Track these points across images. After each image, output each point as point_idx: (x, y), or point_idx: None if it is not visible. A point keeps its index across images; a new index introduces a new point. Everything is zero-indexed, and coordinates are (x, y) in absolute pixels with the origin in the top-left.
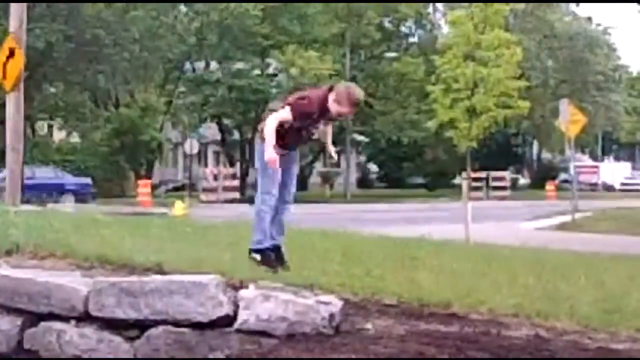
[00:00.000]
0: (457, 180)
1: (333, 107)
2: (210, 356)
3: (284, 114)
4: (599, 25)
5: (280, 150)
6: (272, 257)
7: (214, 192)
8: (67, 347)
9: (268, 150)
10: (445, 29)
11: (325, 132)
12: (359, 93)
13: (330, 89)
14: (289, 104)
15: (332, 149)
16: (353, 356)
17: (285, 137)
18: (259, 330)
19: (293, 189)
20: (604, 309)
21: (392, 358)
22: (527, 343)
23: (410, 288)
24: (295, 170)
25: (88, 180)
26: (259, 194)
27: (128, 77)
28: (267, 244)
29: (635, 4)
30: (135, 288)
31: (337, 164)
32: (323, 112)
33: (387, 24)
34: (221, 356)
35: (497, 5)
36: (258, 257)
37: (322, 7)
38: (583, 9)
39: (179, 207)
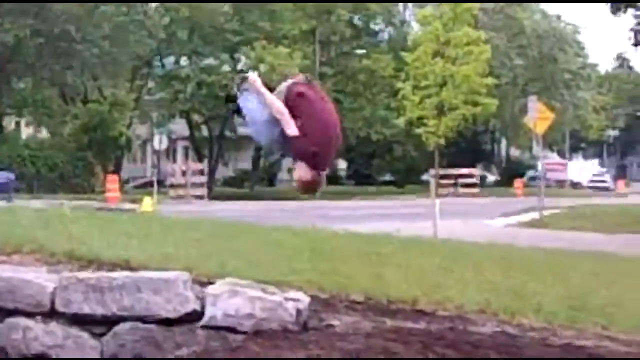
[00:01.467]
0: (426, 177)
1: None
2: (177, 352)
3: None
4: (568, 24)
5: None
6: None
7: (183, 188)
8: (33, 344)
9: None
10: (415, 26)
11: None
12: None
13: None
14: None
15: None
16: (320, 352)
17: None
18: (226, 327)
19: None
20: (570, 306)
21: (359, 355)
22: (493, 339)
23: (378, 285)
24: None
25: (10, 175)
26: None
27: (97, 73)
28: None
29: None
30: (103, 284)
31: None
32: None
33: (357, 21)
34: (188, 352)
35: (466, 4)
36: None
37: (291, 3)
38: (553, 7)
39: (147, 203)
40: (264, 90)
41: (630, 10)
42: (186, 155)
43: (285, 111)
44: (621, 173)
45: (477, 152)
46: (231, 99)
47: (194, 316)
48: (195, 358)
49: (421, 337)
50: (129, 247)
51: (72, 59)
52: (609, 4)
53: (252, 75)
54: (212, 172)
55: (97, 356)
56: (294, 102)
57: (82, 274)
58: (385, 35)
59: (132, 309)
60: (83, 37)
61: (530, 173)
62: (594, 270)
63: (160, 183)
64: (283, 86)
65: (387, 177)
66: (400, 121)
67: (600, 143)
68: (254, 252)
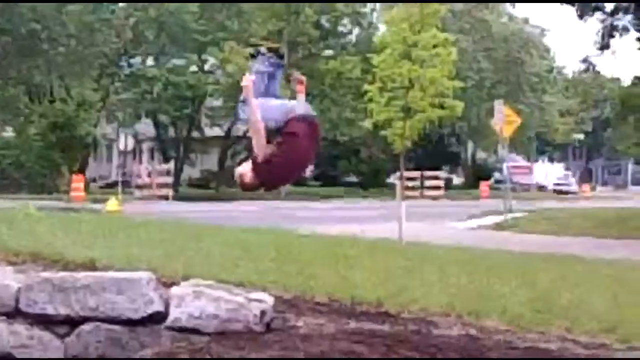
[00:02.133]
0: (392, 180)
1: None
2: (141, 353)
3: None
4: (535, 27)
5: None
6: None
7: (148, 189)
8: None
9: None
10: (383, 27)
11: None
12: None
13: None
14: None
15: None
16: (283, 354)
17: None
18: (190, 328)
19: None
20: (534, 309)
21: (323, 357)
22: (458, 342)
23: (343, 286)
24: None
25: None
26: None
27: (64, 72)
28: None
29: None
30: (67, 284)
31: None
32: None
33: (324, 22)
34: (152, 353)
35: (434, 5)
36: None
37: (259, 3)
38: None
39: (112, 204)
40: (251, 101)
41: (597, 15)
42: (152, 156)
43: (262, 133)
44: (586, 176)
45: (444, 155)
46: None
47: (158, 317)
48: (159, 359)
49: (386, 339)
50: (94, 247)
51: (38, 58)
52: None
53: (245, 81)
54: (178, 173)
55: (61, 356)
56: (283, 137)
57: (47, 274)
58: (353, 37)
59: (97, 310)
60: (49, 36)
61: (496, 176)
62: (558, 272)
63: (126, 183)
64: (291, 107)
65: (353, 179)
66: (367, 123)
67: (566, 146)
68: (218, 253)
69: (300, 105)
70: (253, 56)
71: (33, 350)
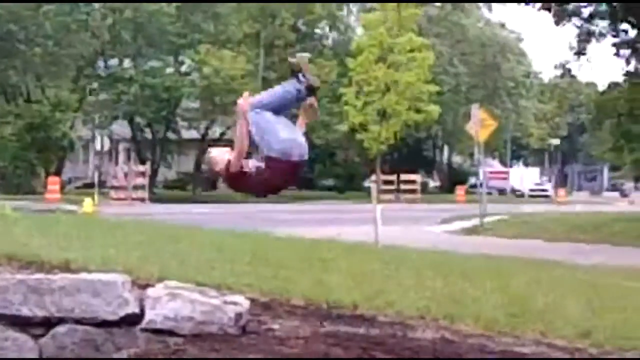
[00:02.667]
0: (367, 183)
1: None
2: (116, 355)
3: None
4: (511, 32)
5: None
6: None
7: (124, 190)
8: None
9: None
10: (359, 31)
11: None
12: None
13: None
14: None
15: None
16: (259, 356)
17: None
18: (165, 330)
19: None
20: (509, 313)
21: (298, 358)
22: (432, 345)
23: (319, 289)
24: None
25: None
26: None
27: (40, 73)
28: None
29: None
30: (42, 286)
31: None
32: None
33: (301, 25)
34: (127, 355)
35: (410, 9)
36: None
37: (235, 6)
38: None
39: (88, 205)
40: (241, 122)
41: (573, 20)
42: (128, 157)
43: (242, 152)
44: (562, 181)
45: (419, 159)
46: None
47: (134, 319)
48: None
49: (361, 342)
50: (69, 249)
51: (15, 59)
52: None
53: (240, 101)
54: (154, 175)
55: (36, 357)
56: (266, 164)
57: (22, 276)
58: (329, 41)
59: (72, 311)
60: (26, 37)
61: (472, 180)
62: (533, 277)
63: (102, 184)
64: (290, 147)
65: (329, 182)
66: (343, 127)
67: (542, 151)
68: (194, 255)
69: (297, 145)
70: (293, 71)
71: (7, 352)
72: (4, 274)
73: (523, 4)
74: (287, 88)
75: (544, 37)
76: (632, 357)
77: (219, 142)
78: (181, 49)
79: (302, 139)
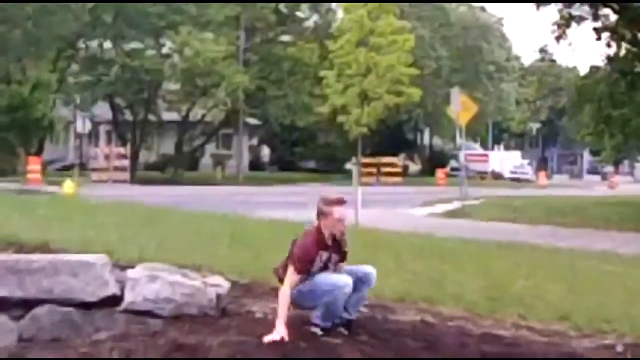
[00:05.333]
0: (348, 166)
1: (328, 227)
2: (96, 336)
3: (292, 278)
4: (492, 15)
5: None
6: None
7: (105, 172)
8: None
9: (278, 327)
10: (340, 13)
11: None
12: (333, 194)
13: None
14: (292, 264)
15: None
16: (239, 338)
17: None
18: (145, 311)
19: (356, 266)
20: (489, 296)
21: (277, 341)
22: (412, 327)
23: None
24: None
25: None
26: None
27: (20, 54)
28: (329, 323)
29: None
30: (21, 266)
31: (229, 147)
32: (323, 244)
33: (282, 8)
34: (107, 336)
35: None
36: (318, 331)
37: None
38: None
39: (68, 186)
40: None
41: (554, 4)
42: (109, 139)
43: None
44: (542, 165)
45: (400, 142)
46: None
47: (114, 300)
48: (113, 342)
49: None
50: (49, 230)
51: None
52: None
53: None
54: (134, 156)
55: (15, 338)
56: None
57: (1, 256)
58: (311, 23)
59: (51, 292)
60: (6, 18)
61: (453, 163)
62: (513, 261)
63: (83, 166)
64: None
65: (311, 164)
66: (324, 109)
67: (522, 135)
68: (174, 237)
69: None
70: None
71: None
72: None
73: None
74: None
75: (525, 20)
76: (611, 340)
77: (199, 124)
78: (162, 31)
79: None
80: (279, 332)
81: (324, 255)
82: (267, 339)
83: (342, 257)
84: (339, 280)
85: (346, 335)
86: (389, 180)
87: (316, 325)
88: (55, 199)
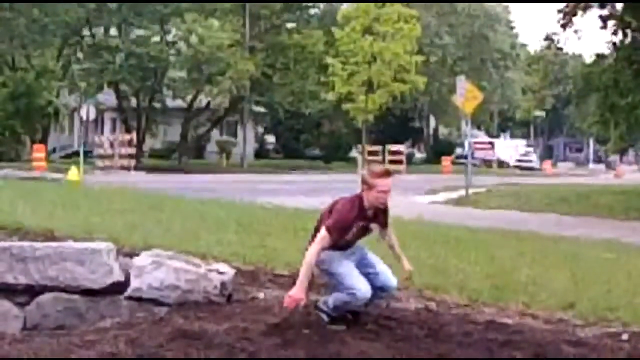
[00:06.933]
0: (353, 153)
1: (370, 198)
2: (101, 323)
3: (324, 240)
4: (499, 4)
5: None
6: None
7: (110, 159)
8: None
9: (296, 289)
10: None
11: (391, 243)
12: (378, 166)
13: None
14: (326, 229)
15: (405, 263)
16: (244, 324)
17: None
18: (150, 298)
19: (382, 270)
20: (493, 284)
21: (282, 328)
22: (417, 316)
23: (302, 259)
24: (367, 253)
25: None
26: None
27: (25, 41)
28: (336, 314)
29: None
30: (27, 254)
31: (234, 134)
32: (362, 214)
33: None
34: (112, 323)
35: None
36: (325, 317)
37: None
38: None
39: (73, 173)
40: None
41: None
42: (114, 126)
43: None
44: (548, 153)
45: (406, 130)
46: None
47: (118, 287)
48: (118, 329)
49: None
50: (54, 217)
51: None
52: None
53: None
54: (140, 144)
55: (20, 325)
56: None
57: (6, 243)
58: (317, 10)
59: (56, 279)
60: (11, 5)
61: (458, 151)
62: (517, 249)
63: (88, 153)
64: None
65: (316, 152)
66: (329, 97)
67: (528, 123)
68: (179, 224)
69: None
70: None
71: None
72: None
73: None
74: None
75: (531, 8)
76: (615, 328)
77: (204, 111)
78: (167, 18)
79: None
80: (297, 294)
81: (361, 224)
82: (286, 301)
83: (383, 224)
84: (361, 290)
85: (351, 321)
86: (394, 168)
87: (323, 312)
88: (60, 186)
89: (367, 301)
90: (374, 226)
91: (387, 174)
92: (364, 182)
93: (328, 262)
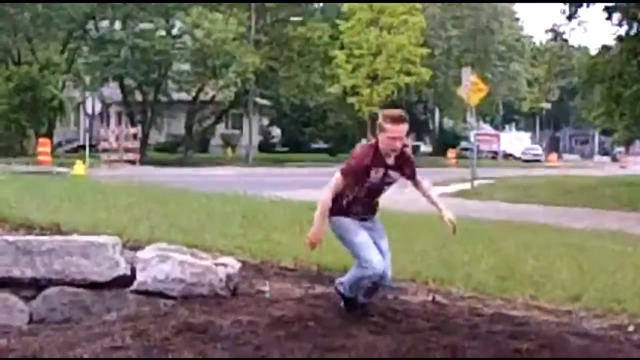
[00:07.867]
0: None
1: (383, 143)
2: (107, 316)
3: (337, 181)
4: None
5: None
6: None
7: (115, 153)
8: None
9: (314, 229)
10: None
11: (427, 193)
12: (392, 110)
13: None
14: (341, 170)
15: (445, 213)
16: (249, 318)
17: (355, 205)
18: (156, 291)
19: (384, 244)
20: (499, 276)
21: (288, 321)
22: (424, 308)
23: (308, 252)
24: (383, 238)
25: None
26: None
27: (30, 35)
28: (353, 295)
29: None
30: (32, 247)
31: (239, 127)
32: (379, 160)
33: None
34: (117, 316)
35: None
36: (342, 304)
37: None
38: None
39: (78, 167)
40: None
41: None
42: (119, 120)
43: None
44: (553, 145)
45: (411, 122)
46: None
47: (124, 281)
48: (124, 322)
49: None
50: (60, 211)
51: (4, 21)
52: None
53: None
54: (145, 137)
55: (26, 319)
56: None
57: (12, 237)
58: (321, 3)
59: (62, 273)
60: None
61: (464, 144)
62: (523, 240)
63: (93, 147)
64: None
65: (321, 145)
66: (334, 89)
67: (533, 115)
68: (185, 218)
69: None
70: None
71: None
72: None
73: None
74: None
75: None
76: (622, 320)
77: (209, 104)
78: (172, 12)
79: None
80: (317, 234)
81: (380, 171)
82: (306, 242)
83: (410, 176)
84: (373, 262)
85: (357, 314)
86: None
87: (340, 294)
88: (65, 180)
89: (378, 279)
90: (396, 176)
91: (399, 119)
92: (378, 125)
93: (344, 229)
